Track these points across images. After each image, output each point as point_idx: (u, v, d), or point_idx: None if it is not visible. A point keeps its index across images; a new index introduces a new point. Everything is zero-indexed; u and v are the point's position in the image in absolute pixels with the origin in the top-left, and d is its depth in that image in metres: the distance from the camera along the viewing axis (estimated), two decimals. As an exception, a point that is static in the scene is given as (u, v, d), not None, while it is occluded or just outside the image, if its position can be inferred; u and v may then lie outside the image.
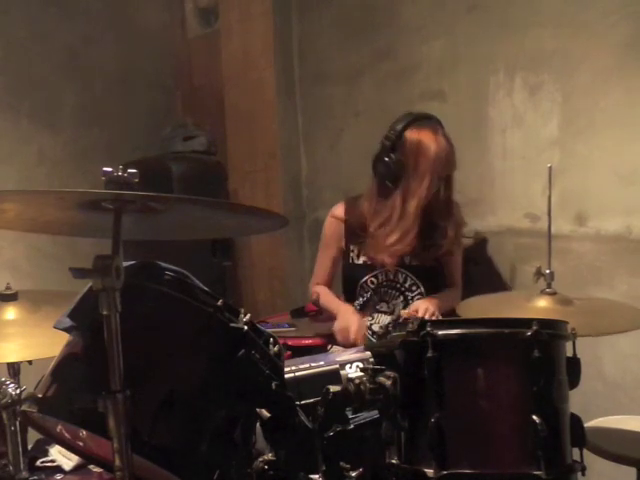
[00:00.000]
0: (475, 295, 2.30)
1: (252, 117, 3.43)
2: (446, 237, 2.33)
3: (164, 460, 1.14)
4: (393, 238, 2.28)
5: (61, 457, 1.89)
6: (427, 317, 2.17)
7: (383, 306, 2.40)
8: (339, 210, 2.46)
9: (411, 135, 2.25)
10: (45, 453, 1.93)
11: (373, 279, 2.40)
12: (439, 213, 2.30)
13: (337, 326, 2.30)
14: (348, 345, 2.24)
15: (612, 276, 2.25)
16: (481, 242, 2.60)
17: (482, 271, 2.60)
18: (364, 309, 2.40)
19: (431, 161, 2.22)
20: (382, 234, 2.30)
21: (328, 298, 2.47)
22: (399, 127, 2.26)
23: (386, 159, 2.26)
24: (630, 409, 2.13)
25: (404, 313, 2.22)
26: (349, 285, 2.45)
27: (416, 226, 2.27)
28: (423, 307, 2.22)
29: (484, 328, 1.21)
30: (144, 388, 1.14)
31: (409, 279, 2.37)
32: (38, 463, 1.91)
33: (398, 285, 2.38)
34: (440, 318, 2.22)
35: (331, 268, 2.53)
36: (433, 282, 2.38)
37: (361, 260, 2.41)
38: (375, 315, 2.40)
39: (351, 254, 2.43)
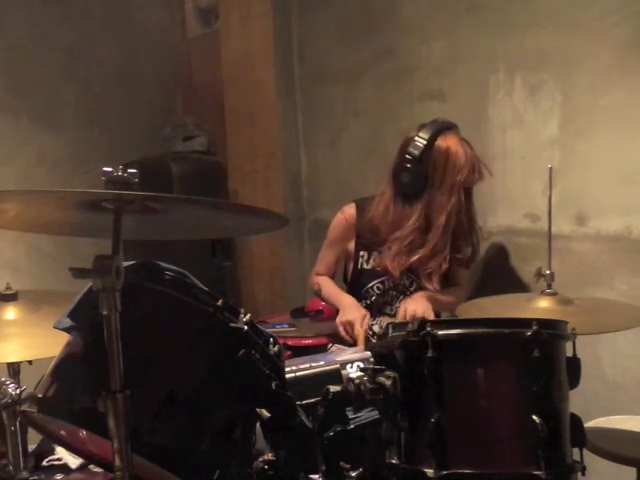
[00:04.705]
0: (475, 296, 2.31)
1: (252, 117, 3.43)
2: (473, 252, 2.32)
3: (164, 460, 1.14)
4: (419, 255, 2.25)
5: (67, 455, 1.88)
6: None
7: (387, 308, 2.39)
8: (350, 212, 2.41)
9: (441, 144, 2.19)
10: (51, 451, 1.91)
11: (379, 285, 2.39)
12: (461, 226, 2.26)
13: (340, 319, 2.29)
14: (350, 340, 2.24)
15: (612, 276, 2.25)
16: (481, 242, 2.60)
17: (482, 272, 2.60)
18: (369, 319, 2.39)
19: (460, 172, 2.19)
20: (400, 246, 2.26)
21: (330, 289, 2.46)
22: (427, 136, 2.19)
23: (412, 169, 2.21)
24: (630, 409, 2.13)
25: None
26: (355, 289, 2.44)
27: (447, 242, 2.23)
28: (411, 310, 2.19)
29: (484, 328, 1.21)
30: (144, 388, 1.14)
31: (415, 283, 2.36)
32: (44, 462, 1.90)
33: (404, 289, 2.37)
34: (432, 317, 2.22)
35: (334, 264, 2.52)
36: (439, 285, 2.35)
37: (370, 266, 2.39)
38: (378, 317, 2.39)
39: (360, 259, 2.41)
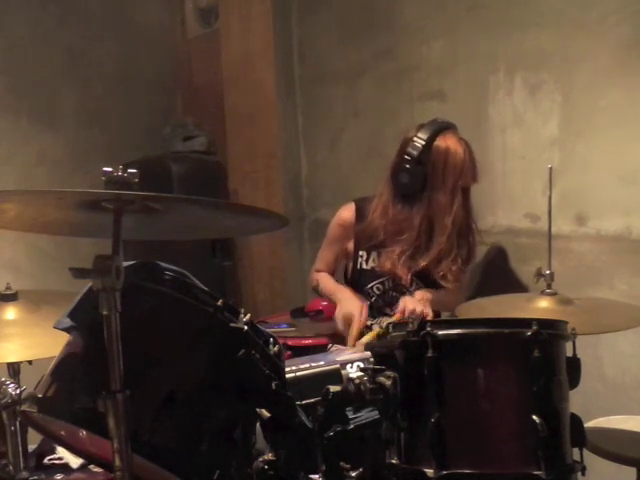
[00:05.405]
0: (475, 296, 2.31)
1: (252, 117, 3.43)
2: (470, 253, 2.32)
3: (164, 460, 1.14)
4: (428, 258, 2.25)
5: (69, 454, 1.87)
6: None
7: (387, 309, 2.39)
8: (349, 212, 2.41)
9: (440, 144, 2.19)
10: (52, 450, 1.91)
11: (379, 285, 2.38)
12: (460, 226, 2.26)
13: (339, 313, 2.28)
14: (346, 334, 2.24)
15: (612, 276, 2.25)
16: (481, 242, 2.60)
17: (482, 272, 2.60)
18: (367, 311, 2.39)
19: (460, 172, 2.19)
20: (405, 250, 2.26)
21: (328, 284, 2.46)
22: (426, 136, 2.19)
23: (411, 169, 2.20)
24: (630, 409, 2.13)
25: (394, 319, 2.21)
26: (355, 289, 2.43)
27: (454, 243, 2.24)
28: (410, 308, 2.18)
29: (484, 328, 1.21)
30: (144, 388, 1.14)
31: (414, 283, 2.35)
32: (46, 461, 1.89)
33: (404, 289, 2.36)
34: (430, 314, 2.21)
35: (333, 263, 2.52)
36: (439, 285, 2.34)
37: (369, 266, 2.39)
38: (378, 318, 2.39)
39: (360, 259, 2.40)
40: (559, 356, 1.23)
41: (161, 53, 3.77)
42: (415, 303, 2.21)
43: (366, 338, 2.16)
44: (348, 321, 2.24)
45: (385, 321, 2.36)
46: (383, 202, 2.31)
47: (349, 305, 2.27)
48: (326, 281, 2.47)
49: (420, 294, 2.28)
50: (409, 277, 2.31)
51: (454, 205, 2.21)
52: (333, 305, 2.42)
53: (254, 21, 3.36)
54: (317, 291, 2.52)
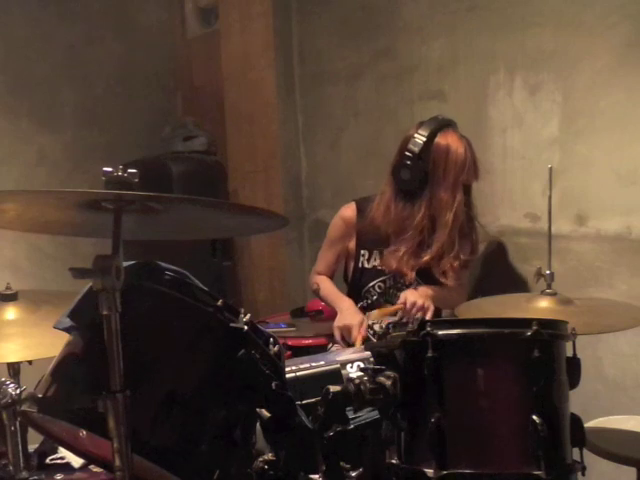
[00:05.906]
0: (475, 296, 2.31)
1: (252, 117, 3.43)
2: (473, 251, 2.32)
3: (164, 460, 1.14)
4: (430, 255, 2.25)
5: (70, 454, 1.87)
6: (414, 311, 2.16)
7: (388, 307, 2.39)
8: (350, 211, 2.42)
9: (441, 141, 2.20)
10: (54, 450, 1.91)
11: (381, 284, 2.38)
12: (461, 225, 2.26)
13: (338, 323, 2.29)
14: (344, 345, 2.24)
15: (612, 276, 2.25)
16: (480, 242, 2.60)
17: (482, 271, 2.60)
18: (368, 310, 2.39)
19: (460, 169, 2.20)
20: (408, 247, 2.27)
21: (329, 291, 2.45)
22: (427, 133, 2.20)
23: (412, 165, 2.21)
24: (630, 409, 2.12)
25: (397, 307, 2.22)
26: (356, 288, 2.44)
27: (456, 239, 2.24)
28: (411, 299, 2.19)
29: (484, 328, 1.21)
30: (144, 388, 1.14)
31: (415, 281, 2.35)
32: (47, 460, 1.89)
33: (404, 288, 2.36)
34: (432, 308, 2.21)
35: (334, 263, 2.52)
36: (440, 283, 2.34)
37: (371, 265, 2.39)
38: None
39: (361, 258, 2.40)
40: (559, 356, 1.23)
41: (161, 53, 3.77)
42: (416, 296, 2.21)
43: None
44: (347, 333, 2.24)
45: (385, 321, 2.36)
46: (385, 200, 2.31)
47: (349, 317, 2.27)
48: (327, 287, 2.47)
49: (421, 289, 2.29)
50: (413, 275, 2.31)
51: (455, 201, 2.21)
52: (333, 308, 2.42)
53: (254, 21, 3.36)
54: (317, 295, 2.52)
